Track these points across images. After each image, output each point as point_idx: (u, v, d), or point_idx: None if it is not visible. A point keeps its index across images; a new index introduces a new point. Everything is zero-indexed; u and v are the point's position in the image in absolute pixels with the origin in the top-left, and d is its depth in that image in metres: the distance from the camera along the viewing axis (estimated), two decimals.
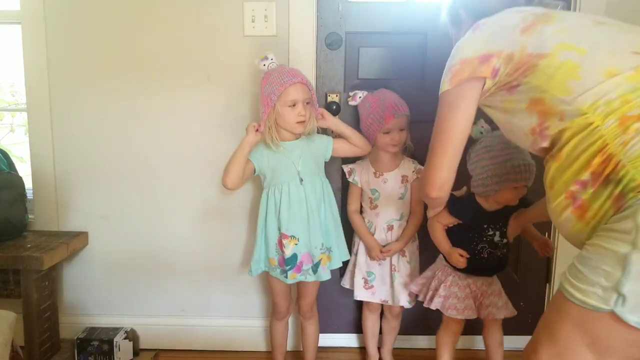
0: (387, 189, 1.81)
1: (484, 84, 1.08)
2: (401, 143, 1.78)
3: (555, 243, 1.98)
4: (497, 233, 1.67)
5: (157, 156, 2.00)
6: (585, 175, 0.93)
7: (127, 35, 1.92)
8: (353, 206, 1.86)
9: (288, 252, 1.64)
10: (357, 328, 2.11)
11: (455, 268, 1.68)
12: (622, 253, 0.85)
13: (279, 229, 1.65)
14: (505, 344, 2.12)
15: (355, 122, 1.93)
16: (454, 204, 1.61)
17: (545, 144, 1.03)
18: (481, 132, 1.62)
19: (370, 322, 1.97)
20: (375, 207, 1.82)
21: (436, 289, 1.70)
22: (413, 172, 1.82)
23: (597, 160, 0.92)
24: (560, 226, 1.02)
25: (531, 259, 2.05)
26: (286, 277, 1.66)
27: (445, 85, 1.12)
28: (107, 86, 1.95)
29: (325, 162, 1.80)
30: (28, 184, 2.00)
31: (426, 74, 1.93)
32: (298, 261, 1.65)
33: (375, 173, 1.81)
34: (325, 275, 1.68)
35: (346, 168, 1.86)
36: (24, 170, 2.04)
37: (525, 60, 1.01)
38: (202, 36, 1.91)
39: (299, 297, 1.83)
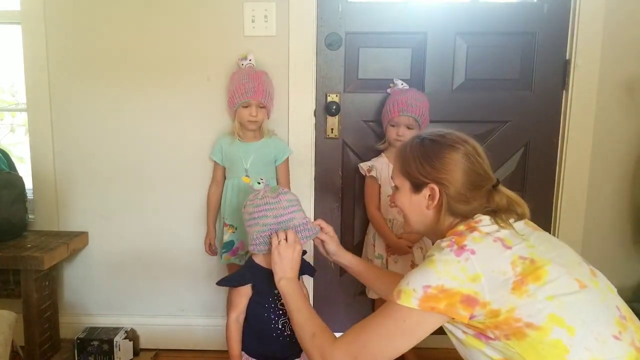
0: None
1: (453, 319, 1.01)
2: None
3: None
4: None
5: (157, 156, 2.00)
6: None
7: (127, 36, 1.92)
8: (374, 204, 1.87)
9: (226, 238, 1.82)
10: None
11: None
12: None
13: (224, 217, 1.85)
14: None
15: (356, 119, 1.95)
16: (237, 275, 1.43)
17: None
18: (259, 183, 1.41)
19: None
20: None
21: None
22: None
23: None
24: None
25: None
26: (221, 257, 1.85)
27: (411, 301, 0.99)
28: (107, 86, 1.95)
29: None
30: (28, 184, 2.00)
31: (426, 74, 1.93)
32: (234, 246, 1.82)
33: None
34: None
35: (364, 166, 1.87)
36: (24, 170, 2.04)
37: (512, 323, 0.95)
38: (202, 36, 1.91)
39: None
